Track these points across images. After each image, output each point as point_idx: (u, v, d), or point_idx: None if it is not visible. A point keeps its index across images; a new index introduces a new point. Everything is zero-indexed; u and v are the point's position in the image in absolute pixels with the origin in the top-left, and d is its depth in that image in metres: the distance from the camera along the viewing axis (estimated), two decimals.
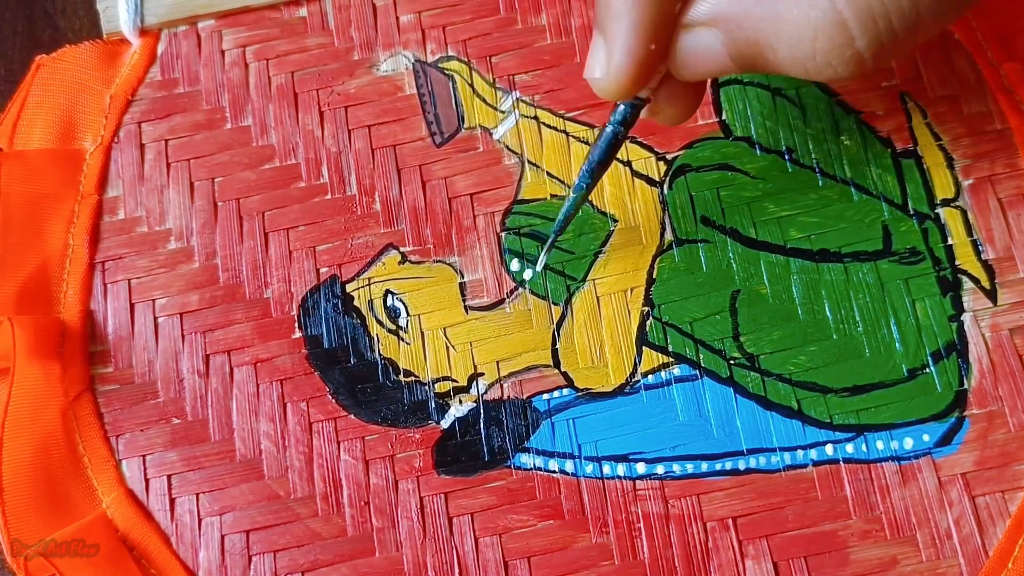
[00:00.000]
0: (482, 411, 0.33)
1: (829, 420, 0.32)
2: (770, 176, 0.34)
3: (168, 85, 0.37)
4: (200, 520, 0.33)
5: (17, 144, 0.36)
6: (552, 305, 0.34)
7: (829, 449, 0.31)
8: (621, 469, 0.32)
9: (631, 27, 0.24)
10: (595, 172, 0.30)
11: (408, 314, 0.34)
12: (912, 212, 0.33)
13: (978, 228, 0.33)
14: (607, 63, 0.24)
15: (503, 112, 0.36)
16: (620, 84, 0.25)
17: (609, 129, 0.28)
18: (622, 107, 0.28)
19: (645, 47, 0.24)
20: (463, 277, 0.34)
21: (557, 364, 0.33)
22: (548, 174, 0.35)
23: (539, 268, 0.33)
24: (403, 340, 0.34)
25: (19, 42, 0.40)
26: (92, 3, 0.39)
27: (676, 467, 0.32)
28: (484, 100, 0.36)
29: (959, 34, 0.35)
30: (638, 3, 0.23)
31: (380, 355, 0.34)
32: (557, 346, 0.33)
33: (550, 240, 0.32)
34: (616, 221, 0.34)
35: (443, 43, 0.37)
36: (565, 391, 0.33)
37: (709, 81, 0.35)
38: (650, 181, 0.35)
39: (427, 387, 0.33)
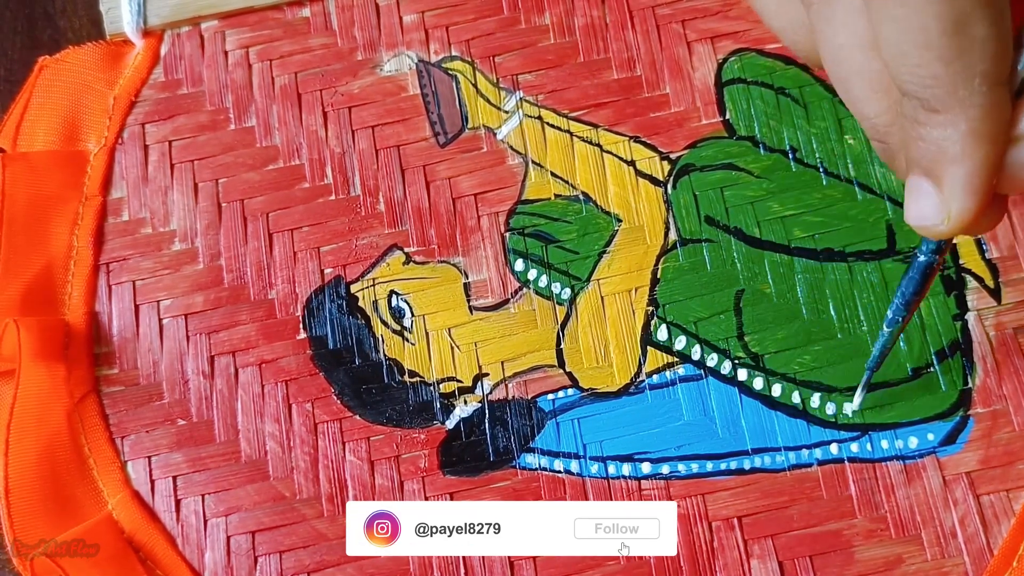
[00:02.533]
0: (487, 411, 0.33)
1: (834, 419, 0.32)
2: (774, 175, 0.34)
3: (171, 86, 0.37)
4: (206, 521, 0.33)
5: (21, 145, 0.36)
6: (556, 305, 0.34)
7: (834, 448, 0.31)
8: (626, 469, 0.32)
9: (976, 169, 0.21)
10: (910, 304, 0.27)
11: (413, 314, 0.34)
12: None
13: None
14: (945, 207, 0.22)
15: (507, 112, 0.36)
16: (965, 224, 0.22)
17: (923, 259, 0.26)
18: (930, 244, 0.25)
19: (991, 181, 0.22)
20: (467, 277, 0.34)
21: (562, 364, 0.33)
22: (552, 174, 0.35)
23: (855, 407, 0.31)
24: (408, 341, 0.34)
25: (19, 42, 0.40)
26: (92, 3, 0.39)
27: (681, 467, 0.32)
28: (488, 100, 0.36)
29: None
30: (978, 145, 0.21)
31: (385, 356, 0.34)
32: (562, 346, 0.33)
33: (864, 378, 0.30)
34: (620, 221, 0.34)
35: (446, 43, 0.37)
36: (570, 391, 0.33)
37: (712, 80, 0.36)
38: (654, 181, 0.35)
39: (432, 387, 0.33)
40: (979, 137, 0.21)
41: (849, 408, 0.31)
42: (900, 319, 0.28)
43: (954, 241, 0.25)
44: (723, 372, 0.33)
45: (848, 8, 0.23)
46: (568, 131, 0.36)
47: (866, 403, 0.31)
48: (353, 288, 0.35)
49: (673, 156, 0.35)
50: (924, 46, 0.20)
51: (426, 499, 0.32)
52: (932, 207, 0.22)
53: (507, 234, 0.35)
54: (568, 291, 0.34)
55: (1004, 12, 0.21)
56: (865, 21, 0.22)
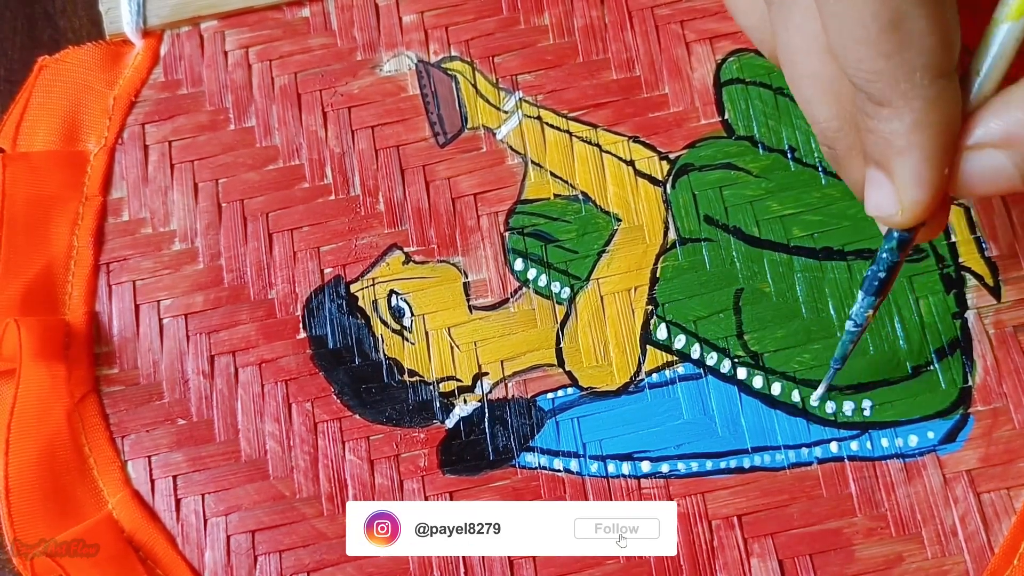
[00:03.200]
0: (487, 410, 0.33)
1: (834, 418, 0.32)
2: (773, 175, 0.34)
3: (171, 86, 0.37)
4: (206, 520, 0.33)
5: (20, 146, 0.36)
6: (556, 304, 0.34)
7: (834, 447, 0.31)
8: (626, 468, 0.32)
9: (923, 160, 0.22)
10: (874, 303, 0.27)
11: (412, 314, 0.34)
12: None
13: (981, 225, 0.33)
14: (898, 198, 0.23)
15: (506, 112, 0.36)
16: (918, 215, 0.23)
17: (885, 257, 0.26)
18: (896, 234, 0.26)
19: (940, 173, 0.23)
20: (467, 277, 0.34)
21: (561, 363, 0.33)
22: (551, 174, 0.35)
23: (816, 399, 0.32)
24: (407, 340, 0.34)
25: (19, 42, 0.40)
26: (92, 3, 0.39)
27: (681, 465, 0.32)
28: (487, 100, 0.36)
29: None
30: (923, 137, 0.22)
31: (385, 355, 0.34)
32: (561, 345, 0.33)
33: (829, 373, 0.30)
34: (620, 220, 0.34)
35: (446, 43, 0.37)
36: (569, 390, 0.33)
37: (711, 80, 0.36)
38: (653, 180, 0.35)
39: (432, 387, 0.33)
40: (924, 129, 0.22)
41: (814, 397, 0.32)
42: (864, 319, 0.28)
43: (916, 241, 0.26)
44: (723, 371, 0.33)
45: (804, 12, 0.24)
46: (567, 131, 0.36)
47: (827, 397, 0.32)
48: (353, 288, 0.35)
49: (672, 156, 0.35)
50: (864, 42, 0.21)
51: (426, 498, 0.32)
52: (887, 198, 0.23)
53: (507, 234, 0.35)
54: (568, 290, 0.34)
55: (944, 6, 0.21)
56: (819, 25, 0.23)
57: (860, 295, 0.28)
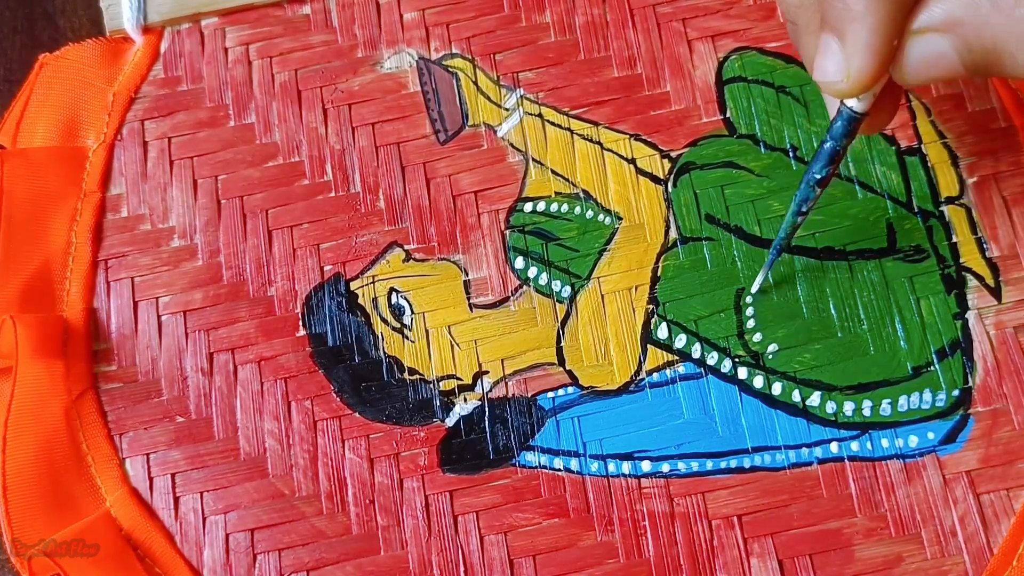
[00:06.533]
0: (487, 409, 0.33)
1: (834, 418, 0.32)
2: (774, 174, 0.34)
3: (171, 83, 0.37)
4: (204, 519, 0.32)
5: (20, 142, 0.36)
6: (557, 303, 0.34)
7: (834, 447, 0.31)
8: (626, 467, 0.32)
9: (874, 27, 0.23)
10: (816, 189, 0.29)
11: (412, 312, 0.34)
12: (916, 210, 0.33)
13: (982, 226, 0.33)
14: (846, 64, 0.24)
15: (507, 110, 0.36)
16: (862, 83, 0.24)
17: (829, 144, 0.28)
18: (840, 123, 0.27)
19: (888, 46, 0.24)
20: (467, 275, 0.34)
21: (562, 362, 0.33)
22: (552, 172, 0.35)
23: (756, 288, 0.33)
24: (407, 338, 0.34)
25: (19, 41, 0.40)
26: (92, 3, 0.39)
27: (681, 465, 0.32)
28: (488, 98, 0.36)
29: None
30: (879, 4, 0.23)
31: (384, 353, 0.34)
32: (562, 344, 0.33)
33: (770, 259, 0.31)
34: (621, 219, 0.34)
35: (447, 40, 0.37)
36: (570, 389, 0.33)
37: (713, 78, 0.36)
38: (654, 179, 0.35)
39: (432, 385, 0.33)
40: None
41: (754, 287, 0.33)
42: (806, 207, 0.29)
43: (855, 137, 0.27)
44: (723, 370, 0.32)
45: None
46: (568, 129, 0.36)
47: (765, 285, 0.33)
48: (353, 285, 0.34)
49: (673, 154, 0.35)
50: None
51: (426, 497, 0.32)
52: (835, 64, 0.24)
53: (507, 232, 0.35)
54: (568, 289, 0.34)
55: None
56: None
57: (802, 185, 0.29)
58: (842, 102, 0.27)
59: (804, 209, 0.29)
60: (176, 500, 0.33)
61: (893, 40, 0.24)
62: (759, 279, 0.32)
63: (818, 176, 0.28)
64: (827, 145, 0.28)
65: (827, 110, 0.31)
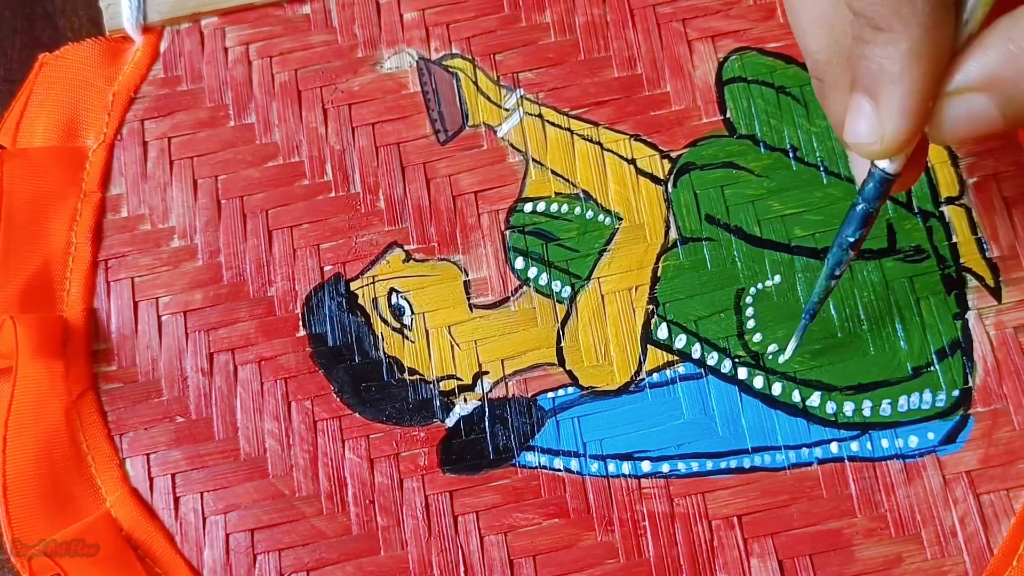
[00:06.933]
0: (487, 409, 0.33)
1: (834, 418, 0.32)
2: (774, 174, 0.34)
3: (171, 83, 0.37)
4: (204, 519, 0.32)
5: (20, 142, 0.36)
6: (557, 303, 0.34)
7: (834, 447, 0.31)
8: (626, 467, 0.32)
9: (910, 89, 0.23)
10: (849, 252, 0.28)
11: (412, 312, 0.34)
12: (916, 210, 0.33)
13: (982, 226, 0.33)
14: (879, 126, 0.24)
15: (507, 110, 0.36)
16: (898, 145, 0.24)
17: (861, 207, 0.27)
18: (872, 185, 0.26)
19: (925, 107, 0.23)
20: (467, 275, 0.34)
21: (562, 362, 0.33)
22: (552, 172, 0.35)
23: (788, 356, 0.32)
24: (407, 338, 0.34)
25: (19, 41, 0.40)
26: (91, 3, 0.39)
27: (681, 465, 0.32)
28: (488, 98, 0.36)
29: None
30: (916, 66, 0.22)
31: (384, 353, 0.34)
32: (562, 344, 0.33)
33: (802, 324, 0.31)
34: (621, 219, 0.34)
35: (447, 40, 0.37)
36: (570, 389, 0.33)
37: (713, 79, 0.36)
38: (654, 179, 0.35)
39: (432, 385, 0.33)
40: (918, 58, 0.22)
41: (782, 359, 0.32)
42: (839, 271, 0.28)
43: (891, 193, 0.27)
44: (723, 371, 0.32)
45: None
46: (568, 129, 0.36)
47: (798, 353, 0.32)
48: (353, 286, 0.34)
49: (674, 154, 0.35)
50: None
51: (426, 497, 0.32)
52: (868, 126, 0.24)
53: (507, 232, 0.35)
54: (568, 289, 0.34)
55: None
56: None
57: (835, 248, 0.28)
58: (873, 163, 0.26)
59: (837, 273, 0.29)
60: (176, 500, 0.33)
61: (929, 102, 0.23)
62: (791, 346, 0.31)
63: (851, 239, 0.27)
64: (859, 207, 0.27)
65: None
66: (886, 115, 0.23)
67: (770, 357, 0.32)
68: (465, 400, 0.33)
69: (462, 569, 0.31)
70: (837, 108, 0.26)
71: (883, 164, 0.25)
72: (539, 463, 0.32)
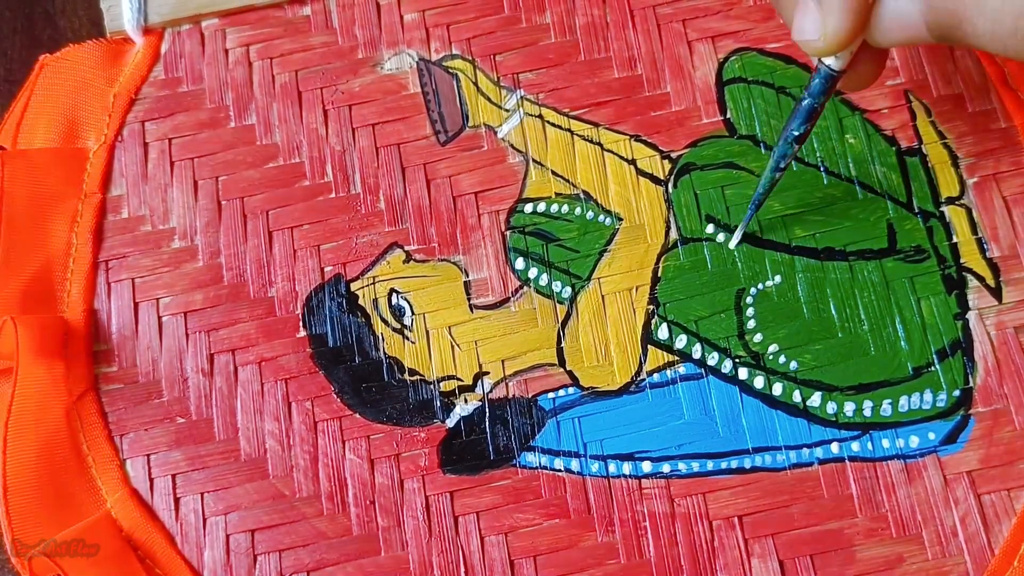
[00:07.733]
0: (487, 410, 0.33)
1: (835, 418, 0.32)
2: None
3: (172, 84, 0.37)
4: (205, 519, 0.32)
5: (21, 143, 0.36)
6: (557, 304, 0.34)
7: (835, 447, 0.31)
8: (627, 468, 0.32)
9: None
10: (794, 145, 0.30)
11: (413, 313, 0.34)
12: (917, 210, 0.33)
13: (983, 226, 0.33)
14: (823, 23, 0.26)
15: (507, 110, 0.36)
16: (838, 42, 0.26)
17: (807, 101, 0.29)
18: (817, 80, 0.28)
19: (862, 6, 0.25)
20: (468, 276, 0.34)
21: (562, 363, 0.33)
22: (552, 173, 0.35)
23: (734, 244, 0.34)
24: (408, 339, 0.34)
25: (19, 42, 0.40)
26: (92, 3, 0.39)
27: (682, 466, 0.32)
28: (488, 98, 0.36)
29: None
30: None
31: (385, 354, 0.34)
32: (562, 345, 0.33)
33: (748, 214, 0.32)
34: (621, 219, 0.34)
35: (447, 41, 0.37)
36: (570, 390, 0.33)
37: (713, 79, 0.36)
38: (655, 179, 0.35)
39: (432, 386, 0.33)
40: None
41: (732, 243, 0.33)
42: (783, 163, 0.30)
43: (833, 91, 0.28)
44: (724, 371, 0.32)
45: None
46: (569, 130, 0.36)
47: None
48: (353, 286, 0.34)
49: (674, 155, 0.35)
50: None
51: (426, 498, 0.32)
52: (812, 23, 0.26)
53: (507, 232, 0.35)
54: (569, 290, 0.34)
55: None
56: None
57: (781, 141, 0.30)
58: (820, 60, 0.28)
59: (782, 165, 0.31)
60: (177, 501, 0.33)
61: (867, 3, 0.25)
62: (737, 235, 0.33)
63: (796, 133, 0.29)
64: (805, 102, 0.29)
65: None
66: (828, 12, 0.25)
67: (723, 247, 0.33)
68: (466, 400, 0.33)
69: (463, 570, 0.31)
70: (789, 10, 0.27)
71: (828, 60, 0.27)
72: (540, 463, 0.32)
